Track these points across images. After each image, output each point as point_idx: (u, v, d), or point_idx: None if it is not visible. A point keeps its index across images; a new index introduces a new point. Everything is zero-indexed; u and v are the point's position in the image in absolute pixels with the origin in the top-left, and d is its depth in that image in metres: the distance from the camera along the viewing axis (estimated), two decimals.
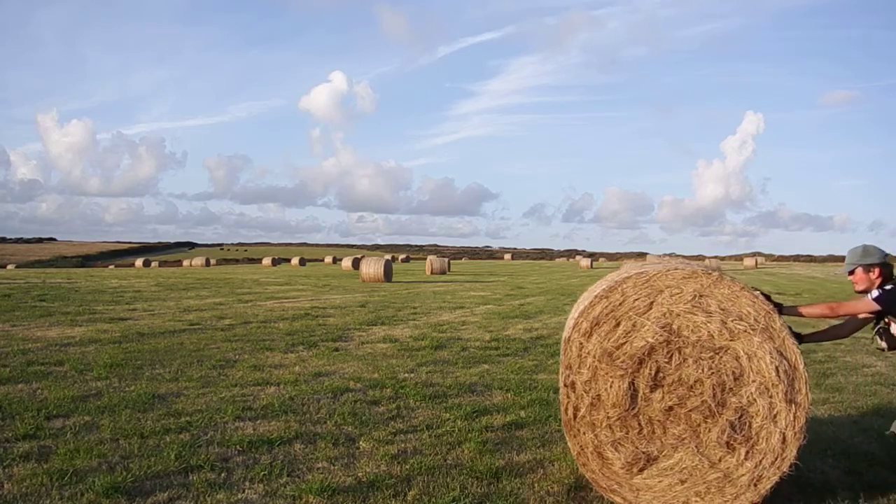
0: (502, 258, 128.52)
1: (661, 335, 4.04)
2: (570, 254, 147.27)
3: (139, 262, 73.85)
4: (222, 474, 4.55)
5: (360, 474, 4.60)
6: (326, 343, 10.33)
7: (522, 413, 6.32)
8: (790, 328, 4.11)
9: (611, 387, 4.09)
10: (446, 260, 47.10)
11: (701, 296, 4.04)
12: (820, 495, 4.41)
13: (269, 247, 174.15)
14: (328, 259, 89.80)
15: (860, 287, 4.21)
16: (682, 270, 4.10)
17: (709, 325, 4.02)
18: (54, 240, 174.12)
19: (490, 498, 4.27)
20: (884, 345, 4.15)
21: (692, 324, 4.04)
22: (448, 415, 6.20)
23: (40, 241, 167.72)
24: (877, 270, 4.15)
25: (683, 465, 4.04)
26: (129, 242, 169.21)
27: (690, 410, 4.06)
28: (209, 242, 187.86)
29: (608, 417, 4.11)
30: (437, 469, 4.71)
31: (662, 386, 4.09)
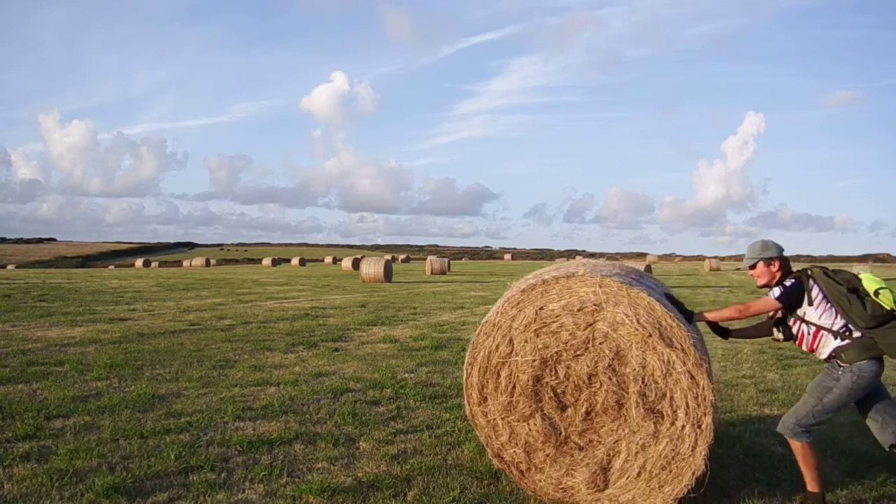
0: (502, 258, 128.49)
1: (536, 361, 4.21)
2: (570, 254, 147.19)
3: (139, 262, 73.80)
4: (222, 474, 4.55)
5: (360, 474, 4.60)
6: (326, 343, 10.33)
7: None
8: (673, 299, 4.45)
9: (531, 429, 4.24)
10: (446, 260, 47.07)
11: (541, 308, 4.22)
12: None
13: (269, 247, 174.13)
14: (328, 259, 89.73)
15: (762, 281, 4.32)
16: (514, 297, 4.30)
17: (564, 325, 4.18)
18: (54, 240, 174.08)
19: (490, 498, 4.27)
20: (780, 336, 4.29)
21: (551, 333, 4.20)
22: (448, 415, 6.20)
23: (40, 241, 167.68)
24: (777, 263, 4.27)
25: (634, 453, 4.11)
26: (129, 243, 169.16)
27: (604, 404, 4.16)
28: (209, 243, 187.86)
29: (548, 455, 4.23)
30: (437, 469, 4.71)
31: (567, 400, 4.22)
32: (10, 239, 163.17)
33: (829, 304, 4.09)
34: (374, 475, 4.58)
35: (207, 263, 71.15)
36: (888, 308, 3.97)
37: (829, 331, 4.08)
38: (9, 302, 15.63)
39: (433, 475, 4.59)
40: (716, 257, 74.66)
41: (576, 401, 4.21)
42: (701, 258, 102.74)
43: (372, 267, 31.72)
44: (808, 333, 4.16)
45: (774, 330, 4.33)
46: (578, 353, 4.17)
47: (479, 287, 27.68)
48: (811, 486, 4.15)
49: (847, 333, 4.05)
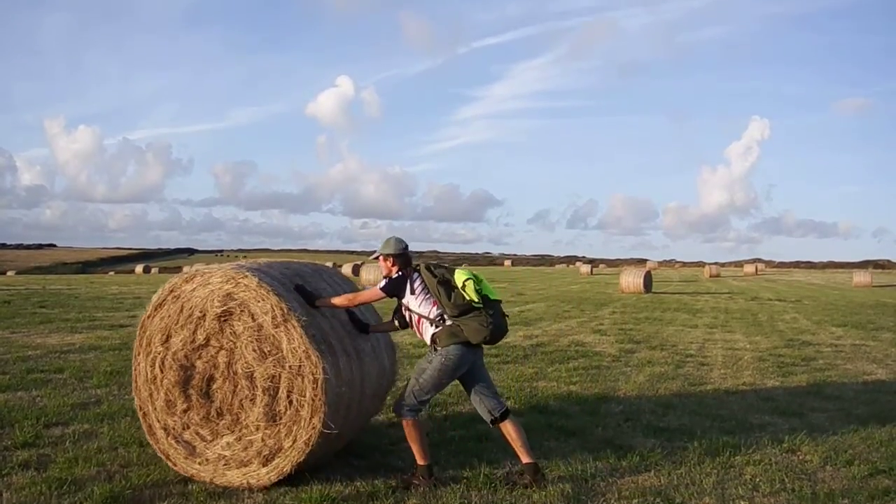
0: (502, 264, 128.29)
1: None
2: (571, 260, 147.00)
3: (139, 268, 73.67)
4: None
5: (358, 484, 4.58)
6: None
7: (522, 421, 6.29)
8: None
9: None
10: None
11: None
12: None
13: (269, 253, 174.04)
14: (329, 265, 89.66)
15: (384, 272, 4.83)
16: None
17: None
18: (54, 246, 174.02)
19: None
20: (396, 324, 4.88)
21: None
22: (447, 423, 6.19)
23: (40, 247, 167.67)
24: (392, 260, 4.78)
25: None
26: (129, 249, 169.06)
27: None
28: (210, 249, 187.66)
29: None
30: (436, 479, 4.68)
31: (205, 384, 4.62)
32: (11, 245, 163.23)
33: (427, 295, 4.63)
34: (373, 484, 4.56)
35: None
36: (468, 299, 4.47)
37: (427, 318, 4.62)
38: (8, 308, 15.62)
39: (432, 485, 4.57)
40: (716, 263, 74.78)
41: (211, 384, 4.60)
42: (701, 264, 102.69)
43: (372, 273, 31.72)
44: (413, 321, 4.72)
45: (395, 320, 4.88)
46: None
47: None
48: (419, 459, 4.54)
49: (441, 321, 4.58)
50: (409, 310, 4.71)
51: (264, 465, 4.42)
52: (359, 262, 57.71)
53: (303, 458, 4.37)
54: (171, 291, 4.69)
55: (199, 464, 4.55)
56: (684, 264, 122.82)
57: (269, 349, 4.44)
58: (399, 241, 4.83)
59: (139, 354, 4.76)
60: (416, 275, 4.70)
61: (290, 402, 4.40)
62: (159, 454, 4.69)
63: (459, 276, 4.55)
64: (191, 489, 4.41)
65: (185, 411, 4.62)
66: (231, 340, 4.53)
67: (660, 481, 4.74)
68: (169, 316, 4.65)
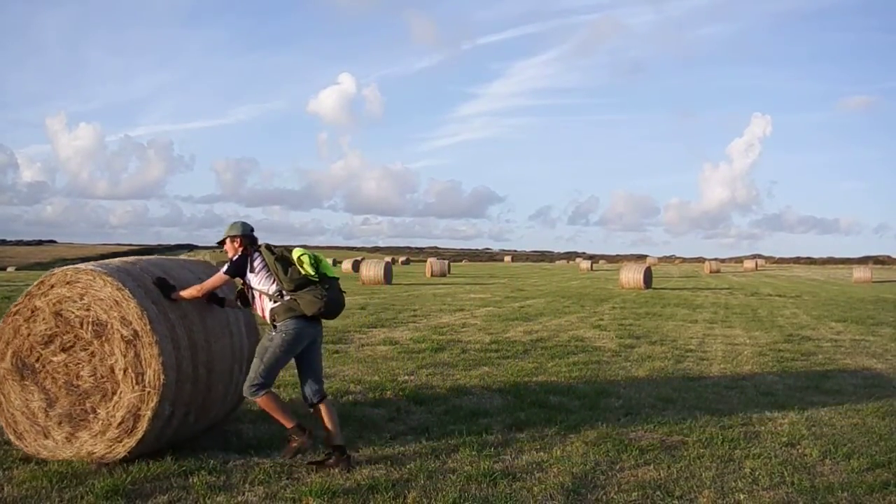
0: (502, 260, 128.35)
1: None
2: (571, 256, 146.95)
3: None
4: (222, 477, 4.55)
5: (359, 477, 4.59)
6: (326, 345, 10.31)
7: (522, 415, 6.32)
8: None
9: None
10: (446, 262, 47.07)
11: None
12: (822, 498, 4.41)
13: None
14: (328, 261, 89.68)
15: (230, 254, 4.97)
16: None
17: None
18: (55, 242, 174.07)
19: (488, 501, 4.26)
20: (238, 303, 5.07)
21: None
22: (448, 417, 6.20)
23: (40, 243, 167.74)
24: (238, 241, 4.93)
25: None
26: (130, 245, 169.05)
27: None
28: (211, 245, 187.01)
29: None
30: (435, 472, 4.70)
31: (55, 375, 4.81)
32: (11, 241, 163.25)
33: (267, 272, 4.82)
34: (374, 478, 4.57)
35: None
36: (304, 273, 4.66)
37: (266, 294, 4.80)
38: (9, 304, 15.62)
39: (432, 478, 4.59)
40: (716, 259, 74.76)
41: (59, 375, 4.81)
42: (701, 260, 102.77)
43: (372, 269, 31.73)
44: (254, 298, 4.90)
45: (237, 299, 5.05)
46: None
47: (479, 289, 27.68)
48: (287, 423, 4.77)
49: (279, 297, 4.75)
50: (251, 287, 4.88)
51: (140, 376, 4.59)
52: (359, 259, 57.97)
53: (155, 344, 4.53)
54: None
55: (135, 442, 4.62)
56: (684, 260, 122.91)
57: (65, 316, 4.82)
58: (244, 223, 5.00)
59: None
60: (256, 254, 4.89)
61: (110, 325, 4.63)
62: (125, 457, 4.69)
63: (296, 253, 4.75)
64: (191, 482, 4.42)
65: (81, 419, 4.70)
66: (41, 347, 4.85)
67: (659, 475, 4.75)
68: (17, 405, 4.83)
